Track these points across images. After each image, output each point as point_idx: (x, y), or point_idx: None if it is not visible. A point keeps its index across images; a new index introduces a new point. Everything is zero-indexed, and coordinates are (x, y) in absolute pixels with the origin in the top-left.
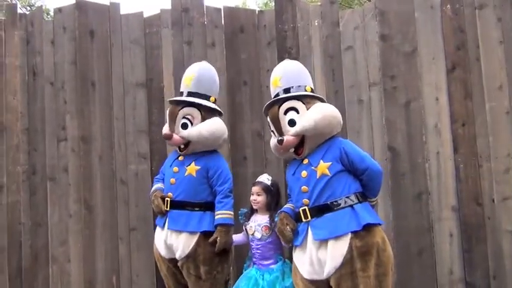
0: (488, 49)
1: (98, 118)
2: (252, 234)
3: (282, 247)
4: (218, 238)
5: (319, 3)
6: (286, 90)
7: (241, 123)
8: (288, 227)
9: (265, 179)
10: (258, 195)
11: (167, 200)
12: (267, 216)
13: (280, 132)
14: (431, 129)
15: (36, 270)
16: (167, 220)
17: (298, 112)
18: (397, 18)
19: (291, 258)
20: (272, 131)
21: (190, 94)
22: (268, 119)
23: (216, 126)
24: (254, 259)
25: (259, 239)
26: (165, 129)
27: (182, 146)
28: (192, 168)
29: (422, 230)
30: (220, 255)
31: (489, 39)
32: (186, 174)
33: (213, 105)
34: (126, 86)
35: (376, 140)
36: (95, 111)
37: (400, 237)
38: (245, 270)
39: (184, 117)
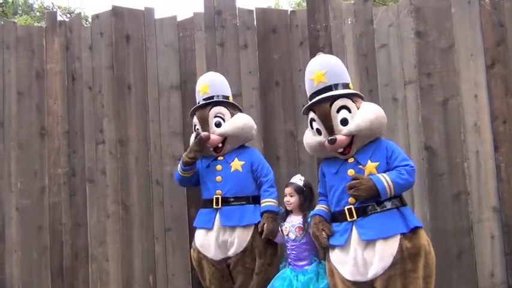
0: None
1: (134, 121)
2: (287, 235)
3: (317, 248)
4: (265, 225)
5: (352, 2)
6: (333, 87)
7: (274, 123)
8: (323, 233)
9: (298, 179)
10: (291, 196)
11: (217, 198)
12: (301, 216)
13: (331, 131)
14: (471, 127)
15: (77, 270)
16: (218, 218)
17: (350, 111)
18: (433, 14)
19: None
20: (317, 128)
21: (211, 98)
22: (315, 116)
23: (246, 118)
24: (289, 260)
25: (294, 240)
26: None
27: (220, 145)
28: (237, 164)
29: (461, 231)
30: (270, 248)
31: None
32: (232, 170)
33: (235, 102)
34: (161, 88)
35: (412, 139)
36: (131, 114)
37: (438, 238)
38: (281, 270)
39: (216, 116)
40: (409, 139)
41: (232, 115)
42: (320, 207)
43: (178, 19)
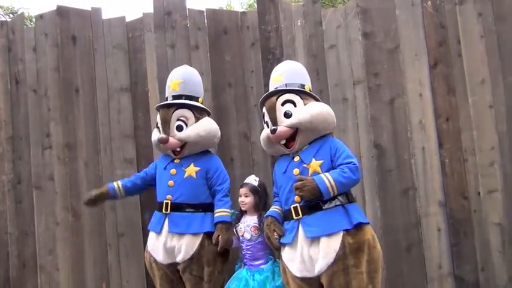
0: (469, 44)
1: (83, 124)
2: (242, 236)
3: None
4: (220, 236)
5: (301, 3)
6: (286, 85)
7: (227, 125)
8: (275, 234)
9: (252, 180)
10: (246, 196)
11: (167, 203)
12: (256, 216)
13: (275, 123)
14: (416, 125)
15: (25, 280)
16: (166, 223)
17: (295, 105)
18: (379, 15)
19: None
20: (266, 122)
21: (179, 97)
22: (264, 110)
23: (210, 125)
24: (245, 260)
25: (249, 240)
26: (155, 134)
27: (178, 149)
28: (192, 170)
29: (410, 226)
30: (221, 256)
31: (470, 34)
32: (185, 176)
33: (203, 106)
34: (110, 91)
35: (362, 137)
36: (80, 118)
37: (388, 233)
38: (236, 271)
39: (178, 120)
40: (359, 137)
41: (197, 119)
42: (273, 208)
43: (127, 19)
